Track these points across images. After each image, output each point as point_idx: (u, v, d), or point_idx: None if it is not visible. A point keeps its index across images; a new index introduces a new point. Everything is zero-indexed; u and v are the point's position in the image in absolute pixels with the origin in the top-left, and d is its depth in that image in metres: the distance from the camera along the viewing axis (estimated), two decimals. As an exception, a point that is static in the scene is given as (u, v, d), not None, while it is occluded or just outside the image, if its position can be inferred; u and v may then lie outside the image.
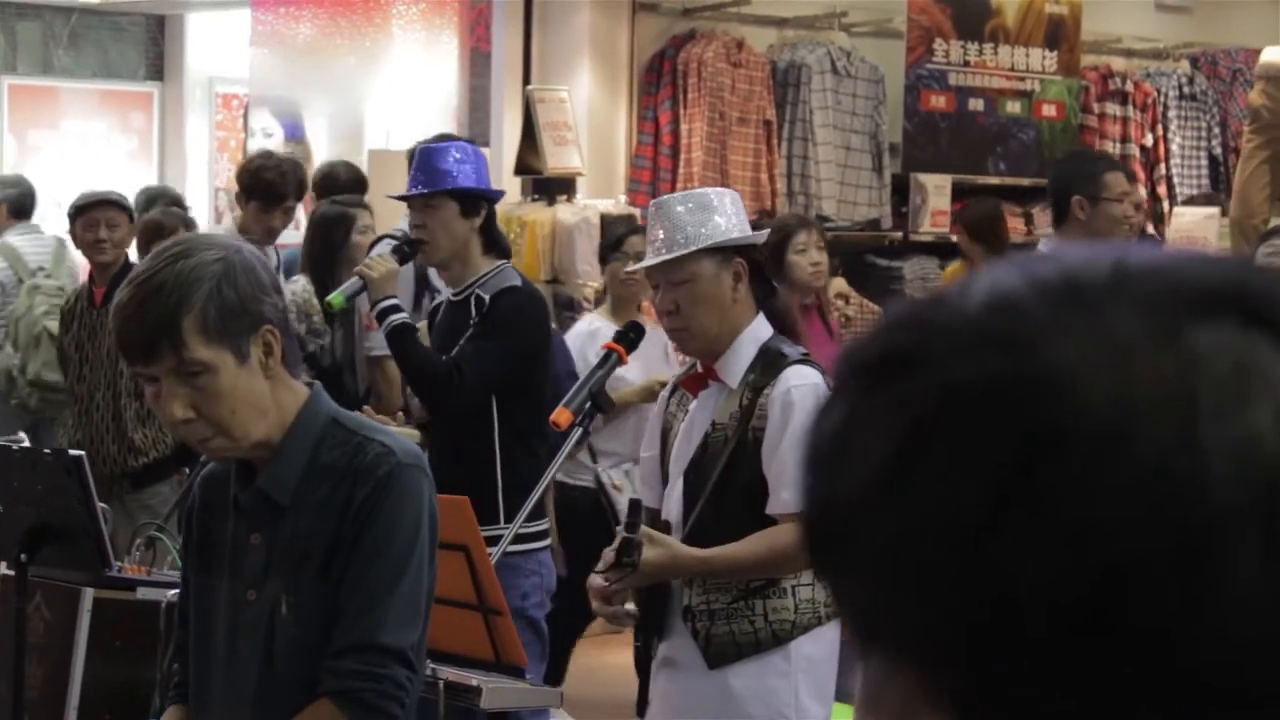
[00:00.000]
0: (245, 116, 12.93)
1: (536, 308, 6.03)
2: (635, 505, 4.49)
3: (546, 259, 9.96)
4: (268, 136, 12.11)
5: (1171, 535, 0.83)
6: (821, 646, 4.52)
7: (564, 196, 10.25)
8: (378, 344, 6.97)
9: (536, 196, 10.24)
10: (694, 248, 4.49)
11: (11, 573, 4.76)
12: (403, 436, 3.54)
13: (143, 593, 4.92)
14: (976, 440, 0.85)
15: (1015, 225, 12.02)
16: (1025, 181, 12.11)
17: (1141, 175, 12.59)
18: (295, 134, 11.98)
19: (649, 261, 4.57)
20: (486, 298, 5.87)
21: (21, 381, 9.42)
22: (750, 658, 4.49)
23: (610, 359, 4.81)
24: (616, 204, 10.49)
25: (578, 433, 4.76)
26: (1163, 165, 12.73)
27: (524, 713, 5.61)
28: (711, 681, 4.51)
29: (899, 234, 11.56)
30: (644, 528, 4.39)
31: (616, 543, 4.38)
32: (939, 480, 0.86)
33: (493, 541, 5.07)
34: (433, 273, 7.37)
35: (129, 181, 13.54)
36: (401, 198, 6.13)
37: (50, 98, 14.33)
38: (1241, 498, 0.83)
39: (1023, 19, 11.98)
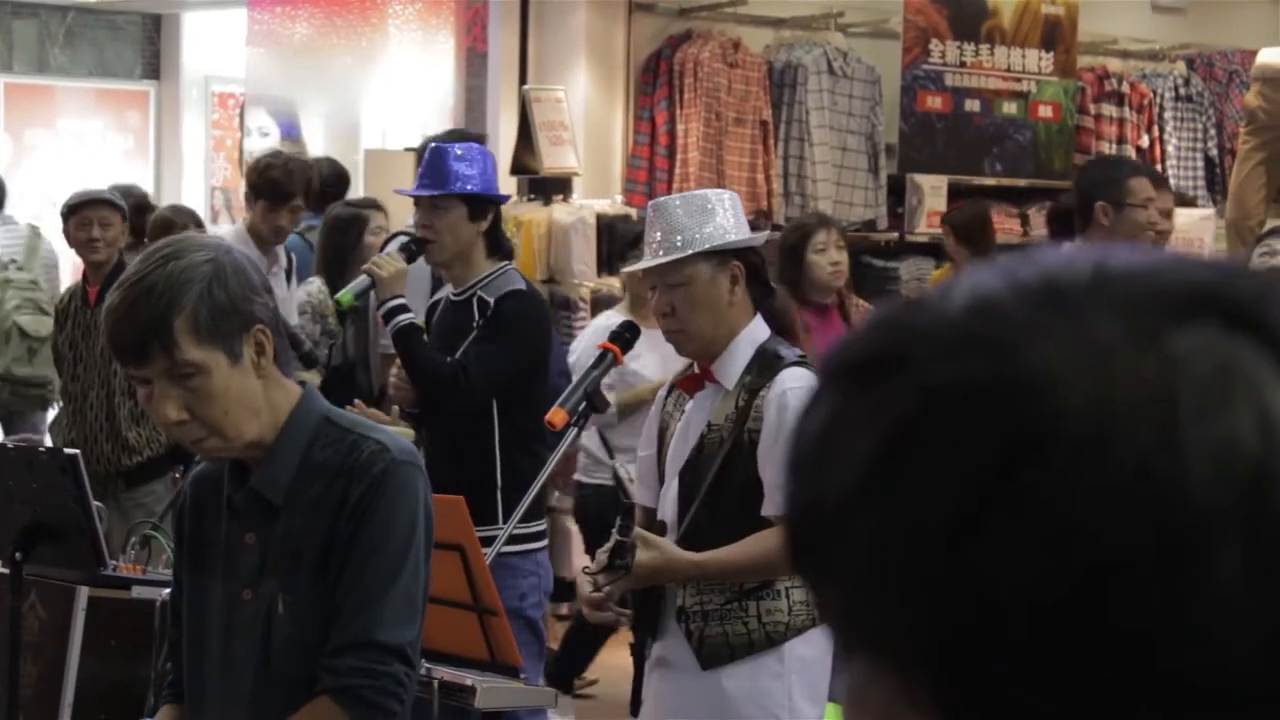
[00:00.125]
0: (241, 116, 12.94)
1: (540, 311, 6.04)
2: (627, 508, 4.49)
3: (542, 259, 9.96)
4: (264, 136, 12.11)
5: (1152, 537, 0.83)
6: (815, 648, 4.52)
7: (560, 196, 10.25)
8: None
9: (532, 196, 10.24)
10: (690, 251, 4.48)
11: (6, 571, 4.76)
12: (397, 434, 3.54)
13: (138, 591, 4.92)
14: (957, 443, 0.85)
15: (1011, 226, 12.03)
16: (1021, 182, 12.12)
17: (1138, 176, 12.59)
18: (291, 133, 11.99)
19: (646, 263, 4.57)
20: (490, 300, 5.87)
21: None
22: (743, 659, 4.49)
23: (605, 359, 4.81)
24: (613, 204, 10.50)
25: (573, 433, 4.76)
26: (1159, 167, 12.73)
27: (521, 713, 5.60)
28: (705, 682, 4.51)
29: (895, 235, 11.56)
30: (638, 530, 4.38)
31: (609, 545, 4.38)
32: (920, 483, 0.86)
33: (491, 542, 5.07)
34: None
35: (125, 180, 13.55)
36: (406, 194, 6.13)
37: (46, 96, 14.33)
38: (1222, 499, 0.83)
39: (1019, 20, 11.99)
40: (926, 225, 11.46)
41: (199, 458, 3.50)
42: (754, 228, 4.82)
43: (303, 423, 3.31)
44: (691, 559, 4.40)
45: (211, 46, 14.35)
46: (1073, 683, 0.84)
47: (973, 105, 11.84)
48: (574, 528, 9.29)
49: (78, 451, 4.98)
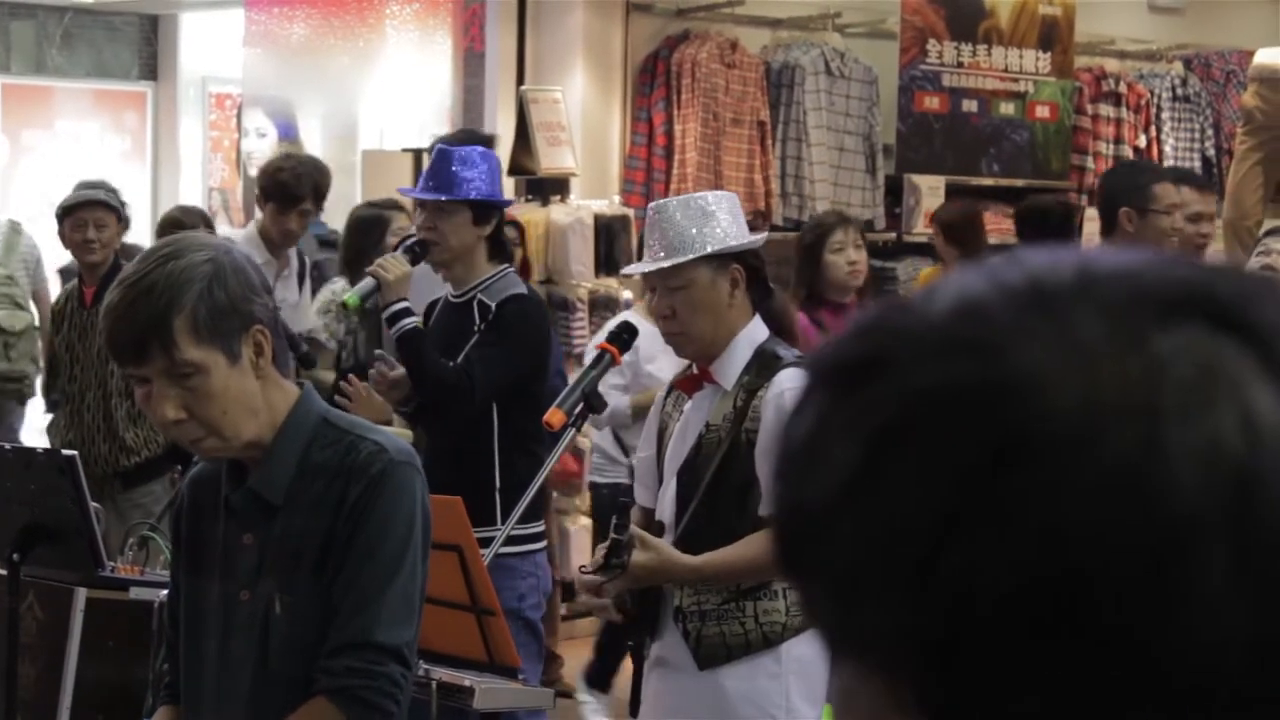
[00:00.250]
0: (239, 116, 12.94)
1: (540, 314, 6.05)
2: (624, 507, 4.50)
3: (540, 260, 9.96)
4: (261, 136, 12.11)
5: (1137, 539, 0.83)
6: (813, 649, 4.52)
7: (558, 197, 10.25)
8: None
9: (530, 197, 10.24)
10: (691, 255, 4.49)
11: (4, 573, 4.76)
12: (395, 435, 3.54)
13: (135, 593, 4.92)
14: (942, 445, 0.85)
15: (1008, 227, 12.03)
16: (1019, 183, 12.12)
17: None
18: (289, 134, 11.98)
19: (647, 266, 4.57)
20: (491, 304, 5.87)
21: None
22: (741, 659, 4.49)
23: (603, 359, 4.82)
24: (610, 204, 10.49)
25: (571, 433, 4.76)
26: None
27: (520, 714, 5.60)
28: (702, 682, 4.51)
29: (892, 235, 11.56)
30: (635, 529, 4.38)
31: (606, 544, 4.38)
32: (905, 485, 0.86)
33: (490, 543, 5.07)
34: None
35: (123, 181, 13.55)
36: (411, 195, 6.13)
37: (44, 97, 14.33)
38: (1207, 501, 0.83)
39: (1016, 20, 11.99)
40: (924, 225, 11.46)
41: (197, 458, 3.50)
42: (752, 228, 4.82)
43: (301, 423, 3.31)
44: (688, 563, 4.40)
45: (209, 47, 14.35)
46: (1059, 685, 0.84)
47: (970, 105, 11.84)
48: (571, 528, 9.30)
49: (75, 453, 4.98)
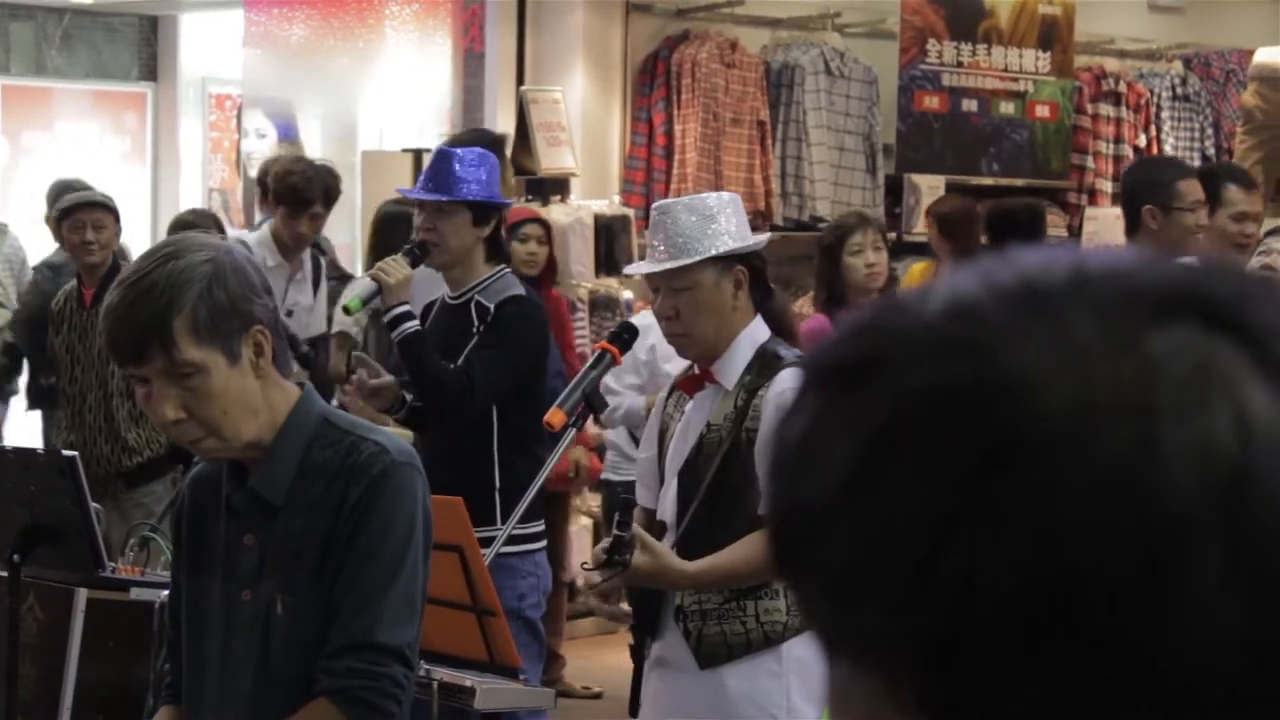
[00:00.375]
0: (238, 117, 12.93)
1: (539, 315, 6.05)
2: (627, 503, 4.50)
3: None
4: (261, 137, 12.11)
5: (1132, 538, 0.83)
6: (814, 649, 4.51)
7: (558, 197, 10.25)
8: None
9: (530, 197, 10.24)
10: (698, 258, 4.50)
11: (4, 573, 4.76)
12: (396, 435, 3.54)
13: (136, 593, 4.92)
14: (936, 446, 0.86)
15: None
16: (1019, 182, 12.12)
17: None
18: (288, 135, 11.98)
19: (654, 267, 4.57)
20: (490, 305, 5.88)
21: None
22: (742, 658, 4.50)
23: (603, 359, 4.81)
24: (610, 204, 10.49)
25: (571, 434, 4.76)
26: (1156, 166, 12.74)
27: (521, 714, 5.60)
28: (703, 682, 4.51)
29: (893, 234, 11.54)
30: (638, 529, 4.38)
31: (608, 540, 4.38)
32: (900, 486, 0.86)
33: (490, 543, 5.07)
34: None
35: (122, 183, 13.55)
36: (410, 195, 6.13)
37: (43, 99, 14.32)
38: (1201, 500, 0.83)
39: (1016, 20, 11.99)
40: (924, 225, 11.46)
41: (198, 458, 3.50)
42: (752, 228, 4.83)
43: (301, 423, 3.31)
44: (685, 571, 4.39)
45: (208, 48, 14.35)
46: (1055, 684, 0.84)
47: (970, 105, 11.84)
48: (573, 528, 9.30)
49: (76, 454, 4.98)
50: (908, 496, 0.86)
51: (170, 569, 3.67)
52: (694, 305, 4.53)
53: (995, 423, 0.85)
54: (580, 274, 10.01)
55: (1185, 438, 0.83)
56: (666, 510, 4.58)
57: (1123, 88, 12.62)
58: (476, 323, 5.88)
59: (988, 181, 11.97)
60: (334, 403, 5.78)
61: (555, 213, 10.12)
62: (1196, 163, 12.76)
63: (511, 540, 5.29)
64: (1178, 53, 13.08)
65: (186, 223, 8.22)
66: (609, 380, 7.51)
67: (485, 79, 10.88)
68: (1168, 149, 12.73)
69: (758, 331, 4.57)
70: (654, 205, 4.80)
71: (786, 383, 4.42)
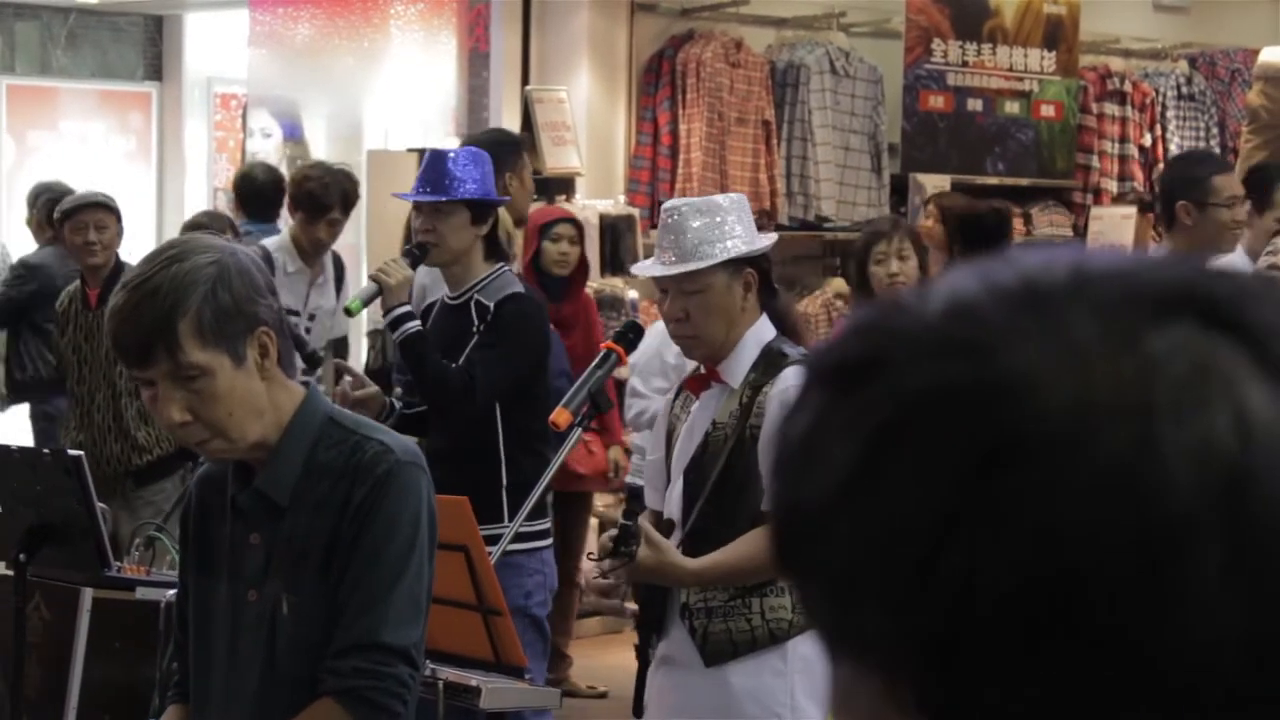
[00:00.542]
0: (244, 117, 12.93)
1: (539, 312, 6.05)
2: (635, 492, 4.49)
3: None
4: (266, 137, 12.11)
5: (1132, 538, 0.83)
6: (819, 647, 4.51)
7: (563, 196, 10.25)
8: None
9: (535, 196, 10.23)
10: (711, 262, 4.50)
11: (11, 573, 4.76)
12: (400, 434, 3.54)
13: (142, 593, 4.93)
14: (936, 446, 0.86)
15: (1014, 225, 12.03)
16: (1024, 182, 12.12)
17: (1140, 176, 12.59)
18: (294, 134, 11.98)
19: (666, 271, 4.57)
20: (489, 304, 5.88)
21: None
22: (747, 656, 4.50)
23: (609, 359, 4.81)
24: (615, 204, 10.50)
25: (577, 433, 4.76)
26: (1161, 165, 12.73)
27: (526, 713, 5.60)
28: (708, 679, 4.51)
29: (897, 234, 11.54)
30: (644, 524, 4.39)
31: (614, 531, 4.38)
32: (900, 486, 0.86)
33: (497, 541, 5.08)
34: None
35: (127, 182, 13.56)
36: (408, 199, 6.12)
37: (49, 98, 14.33)
38: (1200, 500, 0.83)
39: (1021, 19, 11.99)
40: (924, 217, 11.45)
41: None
42: (757, 228, 4.83)
43: (306, 423, 3.31)
44: (688, 567, 4.40)
45: (214, 48, 14.35)
46: (1055, 684, 0.84)
47: (975, 105, 11.84)
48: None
49: (82, 453, 4.98)
50: (908, 496, 0.86)
51: (177, 568, 3.67)
52: (704, 308, 4.53)
53: (995, 422, 0.85)
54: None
55: (1185, 438, 0.83)
56: (672, 508, 4.59)
57: (1128, 87, 12.61)
58: (477, 322, 5.89)
59: (993, 181, 11.97)
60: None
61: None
62: (1201, 163, 12.75)
63: (518, 538, 5.30)
64: (1183, 52, 13.07)
65: (199, 224, 8.22)
66: (636, 384, 7.51)
67: (490, 78, 10.88)
68: (1173, 149, 12.72)
69: (763, 331, 4.58)
70: (663, 206, 4.80)
71: (790, 380, 4.43)
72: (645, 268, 4.75)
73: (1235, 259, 6.34)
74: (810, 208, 11.17)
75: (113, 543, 5.77)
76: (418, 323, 5.91)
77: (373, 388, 5.90)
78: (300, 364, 7.73)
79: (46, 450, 5.33)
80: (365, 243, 10.32)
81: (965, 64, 11.75)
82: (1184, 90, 12.86)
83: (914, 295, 0.91)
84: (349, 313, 6.27)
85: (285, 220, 8.95)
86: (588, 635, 9.48)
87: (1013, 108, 11.99)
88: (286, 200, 8.71)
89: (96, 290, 7.80)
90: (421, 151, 10.11)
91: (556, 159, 10.26)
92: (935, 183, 11.48)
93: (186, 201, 13.80)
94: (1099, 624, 0.83)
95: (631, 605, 4.65)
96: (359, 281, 8.67)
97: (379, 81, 11.70)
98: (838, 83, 11.27)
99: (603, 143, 10.82)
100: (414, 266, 6.00)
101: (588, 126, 10.66)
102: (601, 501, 9.44)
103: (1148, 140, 12.68)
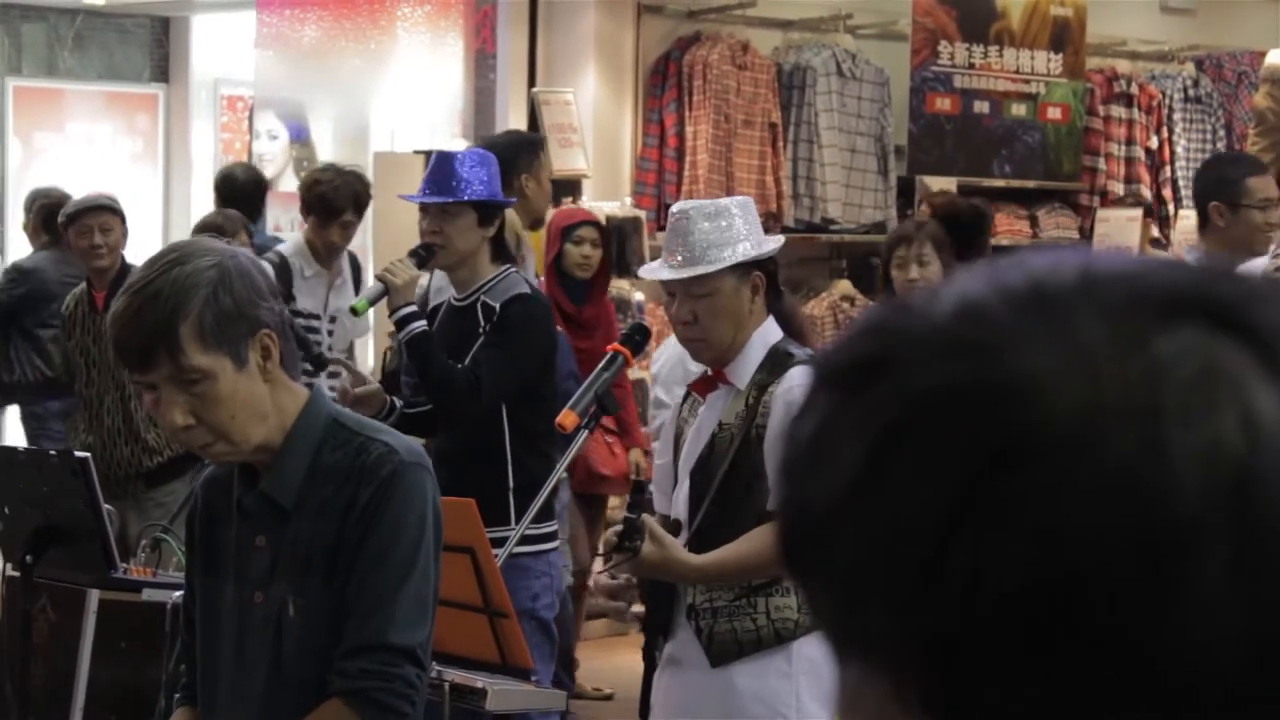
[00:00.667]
0: (250, 119, 12.94)
1: (545, 313, 6.05)
2: (639, 485, 4.49)
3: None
4: (273, 139, 12.11)
5: (1137, 540, 0.83)
6: (826, 650, 4.51)
7: (569, 198, 10.25)
8: None
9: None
10: (720, 266, 4.51)
11: (17, 574, 4.77)
12: (405, 435, 3.54)
13: (148, 594, 4.93)
14: (943, 447, 0.86)
15: (1020, 228, 12.03)
16: (1030, 184, 12.11)
17: (1146, 178, 12.58)
18: (300, 136, 11.99)
19: (675, 274, 4.57)
20: (495, 305, 5.88)
21: None
22: (752, 657, 4.50)
23: (615, 361, 4.81)
24: (622, 206, 10.49)
25: (584, 435, 4.76)
26: (1168, 168, 12.73)
27: (533, 714, 5.60)
28: (714, 680, 4.52)
29: (902, 236, 11.53)
30: (648, 519, 4.39)
31: (620, 525, 4.39)
32: (906, 486, 0.86)
33: (504, 543, 5.07)
34: None
35: (134, 184, 13.56)
36: (415, 201, 6.13)
37: (55, 100, 14.33)
38: (1207, 502, 0.83)
39: (1028, 21, 11.98)
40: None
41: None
42: (764, 231, 4.84)
43: (311, 425, 3.32)
44: (692, 563, 4.40)
45: (220, 50, 14.35)
46: (1057, 684, 0.84)
47: (981, 107, 11.83)
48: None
49: (88, 455, 4.99)
50: (914, 496, 0.86)
51: (185, 571, 3.67)
52: (712, 311, 4.54)
53: (1002, 424, 0.85)
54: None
55: (1192, 440, 0.83)
56: (679, 509, 4.59)
57: (1134, 89, 12.60)
58: (483, 323, 5.89)
59: (999, 183, 11.96)
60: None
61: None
62: (1207, 165, 12.75)
63: (525, 540, 5.30)
64: (1189, 54, 13.06)
65: (213, 225, 8.22)
66: (659, 394, 7.51)
67: (497, 80, 10.88)
68: (1179, 151, 12.72)
69: (770, 333, 4.58)
70: (671, 209, 4.80)
71: (795, 380, 4.44)
72: (653, 270, 4.75)
73: (1267, 262, 6.33)
74: (816, 210, 11.17)
75: (123, 544, 5.78)
76: (424, 323, 5.91)
77: (373, 384, 5.90)
78: (309, 366, 7.75)
79: (53, 452, 5.33)
80: (372, 244, 10.31)
81: (972, 66, 11.75)
82: (1191, 93, 12.85)
83: (922, 297, 0.91)
84: (355, 312, 6.28)
85: (272, 221, 8.93)
86: (594, 637, 9.48)
87: (1019, 110, 11.99)
88: (299, 204, 8.70)
89: (103, 293, 7.80)
90: (428, 153, 10.14)
91: (563, 161, 10.25)
92: (942, 185, 11.48)
93: (193, 203, 13.78)
94: (1102, 625, 0.83)
95: (637, 608, 4.65)
96: (368, 283, 8.67)
97: (385, 83, 11.70)
98: (844, 85, 11.27)
99: (609, 145, 10.82)
100: (420, 267, 6.01)
101: (594, 128, 10.66)
102: (614, 503, 9.44)
103: (1154, 143, 12.68)
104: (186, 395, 3.20)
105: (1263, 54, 11.02)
